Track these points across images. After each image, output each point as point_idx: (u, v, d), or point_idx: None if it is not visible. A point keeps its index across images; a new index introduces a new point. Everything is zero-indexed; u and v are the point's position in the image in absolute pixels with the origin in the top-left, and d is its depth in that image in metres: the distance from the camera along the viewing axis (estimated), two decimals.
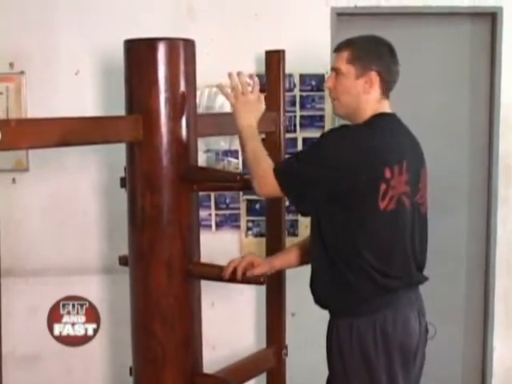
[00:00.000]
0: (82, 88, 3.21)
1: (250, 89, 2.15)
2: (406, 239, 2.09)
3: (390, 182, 1.99)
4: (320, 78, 3.23)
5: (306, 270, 2.32)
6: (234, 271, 2.21)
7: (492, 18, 3.32)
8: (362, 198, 1.99)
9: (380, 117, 2.09)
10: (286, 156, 2.67)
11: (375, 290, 2.03)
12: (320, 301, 2.19)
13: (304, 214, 2.21)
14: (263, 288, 2.76)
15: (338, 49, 2.16)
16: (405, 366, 2.06)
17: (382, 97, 2.11)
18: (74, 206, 3.26)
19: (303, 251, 2.31)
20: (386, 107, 2.13)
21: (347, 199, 2.00)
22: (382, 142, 2.01)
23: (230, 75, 2.16)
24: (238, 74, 2.15)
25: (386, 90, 2.12)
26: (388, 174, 1.98)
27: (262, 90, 2.20)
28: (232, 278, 2.29)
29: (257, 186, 2.07)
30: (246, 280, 2.26)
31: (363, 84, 2.08)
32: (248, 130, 2.14)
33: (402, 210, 2.04)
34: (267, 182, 2.04)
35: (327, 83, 2.18)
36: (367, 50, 2.11)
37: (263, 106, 2.19)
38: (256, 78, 2.19)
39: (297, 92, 3.25)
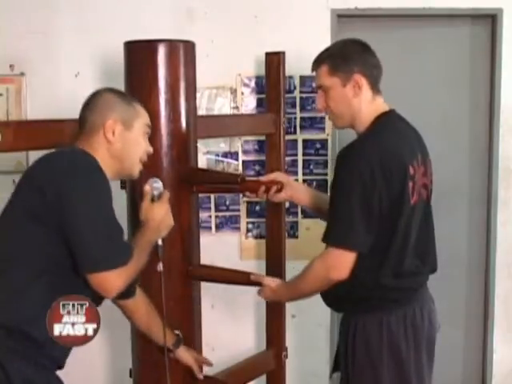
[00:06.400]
0: (82, 90, 3.16)
1: None
2: (422, 229, 2.10)
3: (414, 179, 2.00)
4: None
5: None
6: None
7: (492, 19, 3.32)
8: (397, 202, 1.96)
9: (382, 119, 2.06)
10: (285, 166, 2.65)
11: (407, 289, 2.04)
12: (334, 299, 2.13)
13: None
14: None
15: (314, 67, 2.12)
16: (429, 359, 2.10)
17: (373, 95, 2.08)
18: None
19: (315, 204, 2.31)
20: (381, 105, 2.10)
21: (387, 208, 1.95)
22: (396, 143, 2.00)
23: None
24: None
25: (374, 85, 2.08)
26: (412, 170, 1.99)
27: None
28: (233, 280, 2.29)
29: (326, 278, 1.98)
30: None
31: (352, 89, 2.05)
32: None
33: (420, 201, 2.06)
34: (333, 266, 1.95)
35: (318, 105, 2.14)
36: (342, 55, 2.07)
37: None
38: None
39: (297, 94, 3.25)
